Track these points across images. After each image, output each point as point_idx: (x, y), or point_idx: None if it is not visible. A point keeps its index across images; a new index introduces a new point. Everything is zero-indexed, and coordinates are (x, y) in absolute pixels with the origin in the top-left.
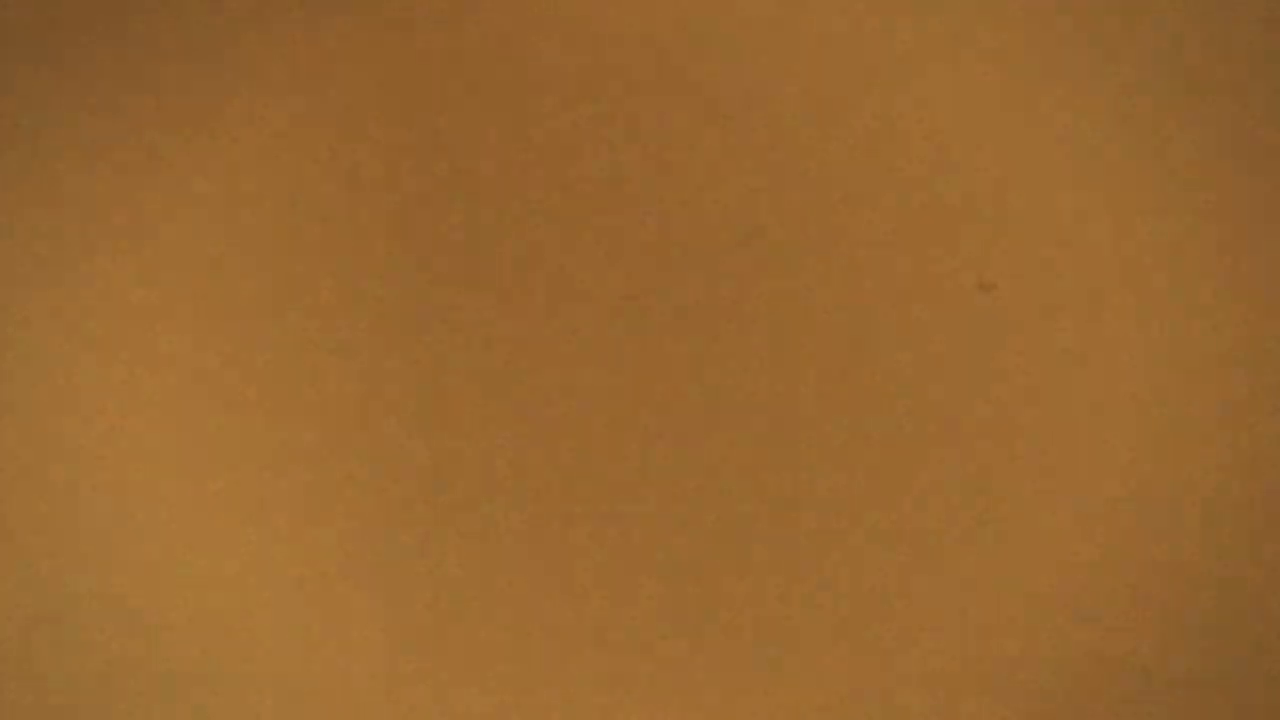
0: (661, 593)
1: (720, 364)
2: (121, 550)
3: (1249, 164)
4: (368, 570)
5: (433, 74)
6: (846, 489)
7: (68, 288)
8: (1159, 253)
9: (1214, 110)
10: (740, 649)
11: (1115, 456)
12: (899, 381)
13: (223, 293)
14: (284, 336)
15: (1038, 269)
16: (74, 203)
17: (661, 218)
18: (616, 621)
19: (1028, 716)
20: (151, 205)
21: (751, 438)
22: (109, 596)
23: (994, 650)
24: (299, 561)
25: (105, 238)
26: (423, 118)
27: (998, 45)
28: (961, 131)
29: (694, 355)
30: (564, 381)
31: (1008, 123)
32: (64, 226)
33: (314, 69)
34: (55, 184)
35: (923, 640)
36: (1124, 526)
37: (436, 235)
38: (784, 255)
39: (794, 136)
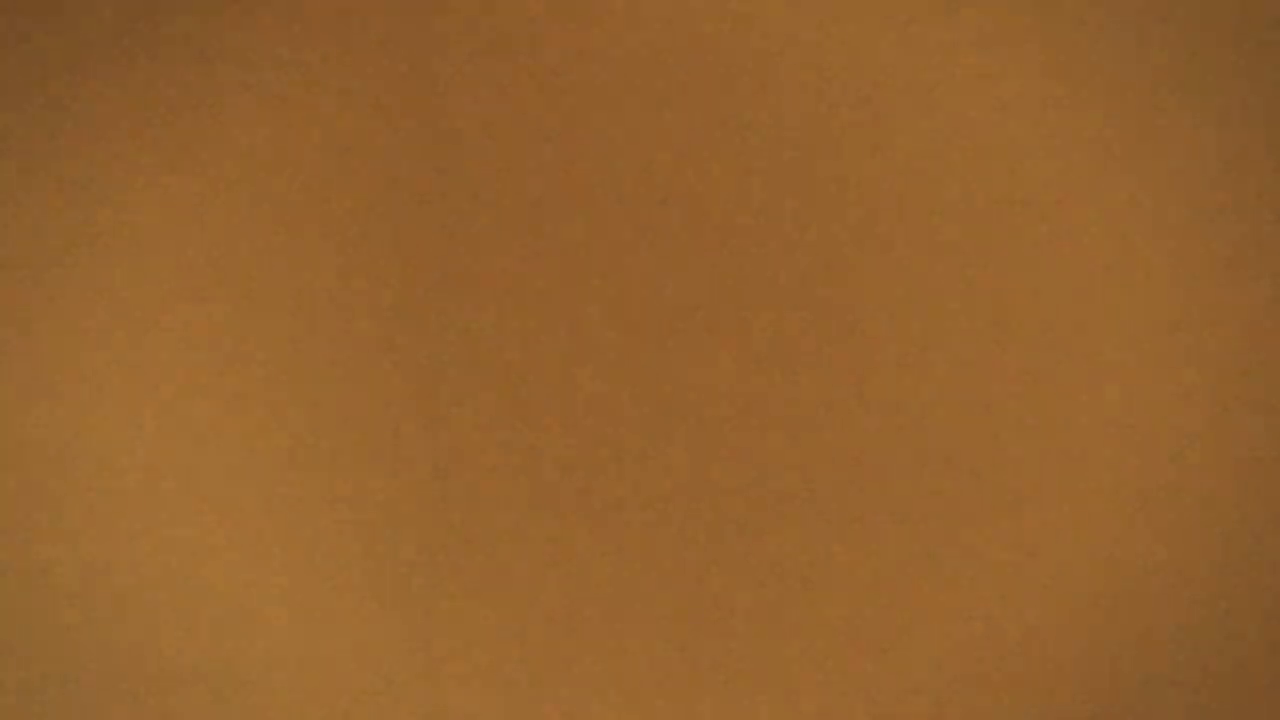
0: (662, 592)
1: (723, 364)
2: (121, 550)
3: (1249, 171)
4: (367, 569)
5: (434, 75)
6: (848, 490)
7: (68, 288)
8: (1158, 258)
9: (1215, 115)
10: (740, 649)
11: (1116, 458)
12: (900, 384)
13: (223, 292)
14: (284, 336)
15: (1039, 273)
16: (75, 202)
17: (665, 220)
18: (616, 620)
19: (1028, 716)
20: (152, 205)
21: (755, 439)
22: (109, 596)
23: (994, 650)
24: (298, 561)
25: (105, 237)
26: (424, 118)
27: (1003, 57)
28: (966, 142)
29: (697, 356)
30: (566, 381)
31: (1011, 131)
32: (64, 226)
33: (314, 69)
34: (56, 184)
35: (923, 641)
36: (1124, 529)
37: (438, 235)
38: (787, 257)
39: (796, 139)
